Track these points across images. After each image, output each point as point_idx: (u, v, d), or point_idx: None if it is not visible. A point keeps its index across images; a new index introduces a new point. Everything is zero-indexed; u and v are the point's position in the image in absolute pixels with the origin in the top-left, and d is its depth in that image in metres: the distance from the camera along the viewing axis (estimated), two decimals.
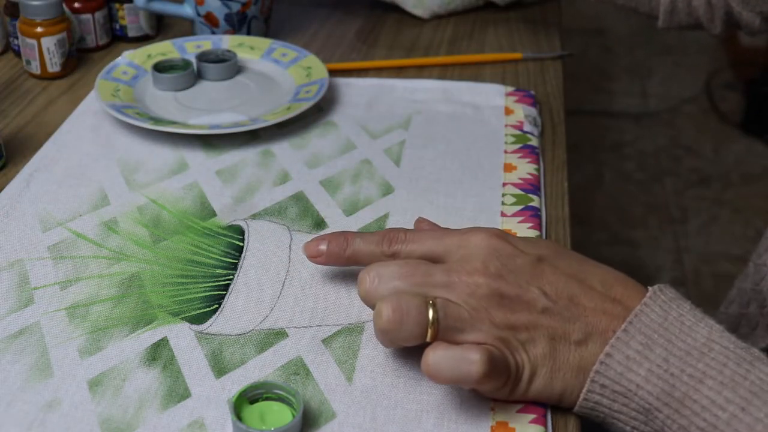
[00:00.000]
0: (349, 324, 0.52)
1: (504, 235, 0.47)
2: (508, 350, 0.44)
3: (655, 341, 0.43)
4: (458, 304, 0.44)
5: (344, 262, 0.51)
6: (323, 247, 0.51)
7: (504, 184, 0.65)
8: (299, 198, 0.64)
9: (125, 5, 0.86)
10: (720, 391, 0.41)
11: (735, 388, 0.41)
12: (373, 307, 0.45)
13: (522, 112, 0.74)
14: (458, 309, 0.44)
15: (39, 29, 0.78)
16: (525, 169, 0.67)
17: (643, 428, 0.43)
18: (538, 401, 0.46)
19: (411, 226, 0.60)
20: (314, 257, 0.52)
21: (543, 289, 0.45)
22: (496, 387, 0.44)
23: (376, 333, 0.45)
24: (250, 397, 0.46)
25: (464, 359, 0.42)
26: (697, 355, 0.42)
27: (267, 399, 0.46)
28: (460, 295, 0.44)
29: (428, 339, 0.44)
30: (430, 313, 0.43)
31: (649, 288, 0.45)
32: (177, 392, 0.48)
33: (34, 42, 0.78)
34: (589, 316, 0.44)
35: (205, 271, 0.56)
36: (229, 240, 0.59)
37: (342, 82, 0.80)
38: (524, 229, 0.60)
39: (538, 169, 0.67)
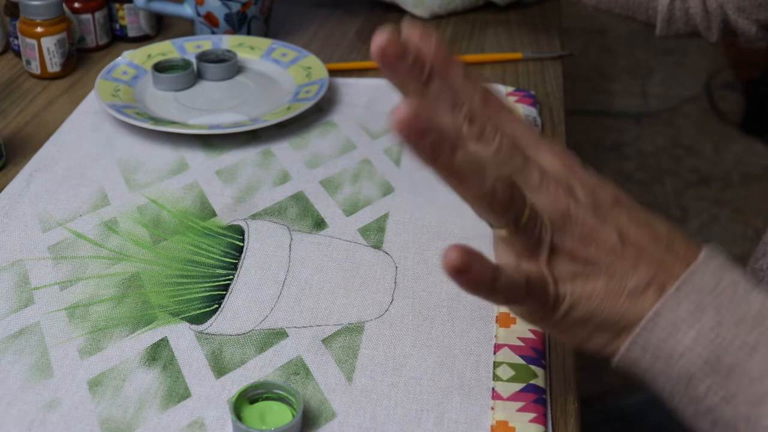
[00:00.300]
0: (349, 324, 0.52)
1: (581, 166, 0.43)
2: (552, 278, 0.41)
3: (706, 306, 0.40)
4: (544, 216, 0.41)
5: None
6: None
7: None
8: (299, 198, 0.64)
9: (125, 5, 0.86)
10: None
11: None
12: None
13: (522, 112, 0.74)
14: (542, 219, 0.41)
15: (39, 29, 0.78)
16: None
17: (681, 394, 0.41)
18: (569, 337, 0.43)
19: (411, 226, 0.61)
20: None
21: (619, 230, 0.42)
22: (527, 310, 0.42)
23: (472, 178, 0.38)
24: (250, 397, 0.46)
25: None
26: (750, 324, 0.40)
27: (267, 399, 0.46)
28: (548, 205, 0.41)
29: (504, 232, 0.41)
30: (524, 214, 0.40)
31: (704, 248, 0.42)
32: (177, 392, 0.48)
33: (34, 42, 0.78)
34: (651, 267, 0.41)
35: (205, 271, 0.56)
36: (229, 240, 0.59)
37: (342, 82, 0.80)
38: None
39: None
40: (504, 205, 0.39)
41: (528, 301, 0.41)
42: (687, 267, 0.41)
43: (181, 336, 0.51)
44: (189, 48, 0.82)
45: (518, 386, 0.48)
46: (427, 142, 0.36)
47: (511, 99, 0.77)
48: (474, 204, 0.39)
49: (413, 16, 0.95)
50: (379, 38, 0.38)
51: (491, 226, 0.41)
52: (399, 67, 0.39)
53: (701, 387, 0.40)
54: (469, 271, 0.38)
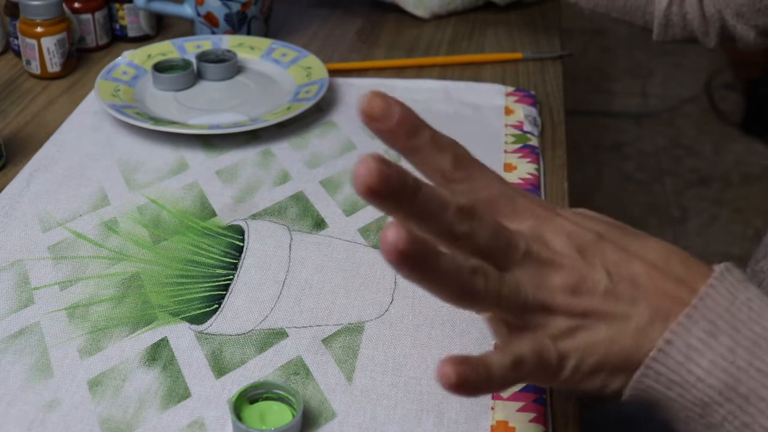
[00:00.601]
0: (349, 324, 0.52)
1: (557, 210, 0.43)
2: (551, 340, 0.40)
3: (721, 329, 0.39)
4: (527, 282, 0.39)
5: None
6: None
7: None
8: (299, 198, 0.64)
9: (125, 5, 0.86)
10: None
11: None
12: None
13: (522, 112, 0.74)
14: (525, 287, 0.39)
15: (39, 29, 0.78)
16: (525, 169, 0.67)
17: (696, 421, 0.40)
18: (586, 387, 0.42)
19: None
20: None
21: (607, 269, 0.40)
22: (532, 373, 0.40)
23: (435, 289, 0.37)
24: (250, 397, 0.46)
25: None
26: (767, 346, 0.38)
27: (267, 399, 0.46)
28: (528, 271, 0.40)
29: (488, 314, 0.40)
30: (504, 290, 0.38)
31: (715, 267, 0.41)
32: (177, 392, 0.48)
33: (34, 42, 0.78)
34: (650, 299, 0.40)
35: (205, 271, 0.56)
36: (229, 240, 0.59)
37: (342, 82, 0.80)
38: None
39: (538, 169, 0.67)
40: (482, 296, 0.37)
41: (531, 376, 0.39)
42: (692, 291, 0.40)
43: (181, 336, 0.51)
44: (189, 48, 0.82)
45: (518, 386, 0.48)
46: (415, 265, 0.35)
47: (511, 99, 0.77)
48: (454, 302, 0.38)
49: (413, 16, 0.95)
50: (364, 170, 0.35)
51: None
52: (386, 192, 0.36)
53: (718, 414, 0.39)
54: (468, 382, 0.36)
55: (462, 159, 0.40)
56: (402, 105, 0.39)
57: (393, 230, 0.34)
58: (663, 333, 0.39)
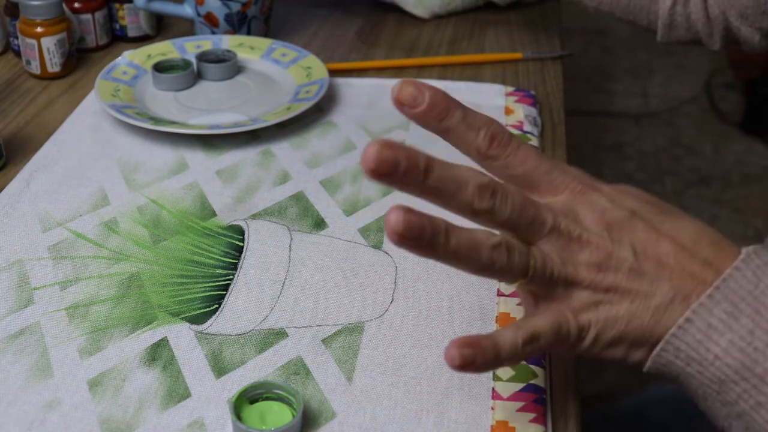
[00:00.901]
0: (349, 324, 0.52)
1: (595, 185, 0.44)
2: (572, 312, 0.41)
3: (742, 310, 0.39)
4: (554, 256, 0.41)
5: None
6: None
7: None
8: (299, 198, 0.64)
9: (125, 5, 0.86)
10: None
11: None
12: (466, 211, 0.40)
13: (522, 112, 0.74)
14: (552, 261, 0.41)
15: (39, 29, 0.78)
16: None
17: (713, 398, 0.41)
18: (606, 357, 0.43)
19: None
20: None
21: (634, 247, 0.41)
22: (554, 350, 0.42)
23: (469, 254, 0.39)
24: (250, 397, 0.46)
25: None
26: None
27: (267, 399, 0.46)
28: (556, 245, 0.41)
29: (516, 285, 0.41)
30: (530, 263, 0.40)
31: (743, 249, 0.42)
32: (177, 392, 0.48)
33: (34, 42, 0.78)
34: (674, 279, 0.41)
35: (205, 271, 0.56)
36: (229, 240, 0.59)
37: (342, 82, 0.80)
38: None
39: None
40: (506, 270, 0.39)
41: (549, 348, 0.41)
42: (717, 273, 0.41)
43: (181, 336, 0.51)
44: (189, 48, 0.82)
45: (518, 386, 0.48)
46: (420, 245, 0.38)
47: (511, 99, 0.77)
48: (477, 274, 0.40)
49: (413, 16, 0.95)
50: (371, 154, 0.37)
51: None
52: (393, 176, 0.38)
53: (733, 392, 0.40)
54: (473, 364, 0.38)
55: (497, 136, 0.42)
56: (433, 90, 0.41)
57: (394, 214, 0.37)
58: (684, 312, 0.40)
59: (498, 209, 0.39)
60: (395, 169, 0.37)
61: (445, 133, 0.42)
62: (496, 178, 0.41)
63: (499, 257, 0.39)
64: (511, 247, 0.39)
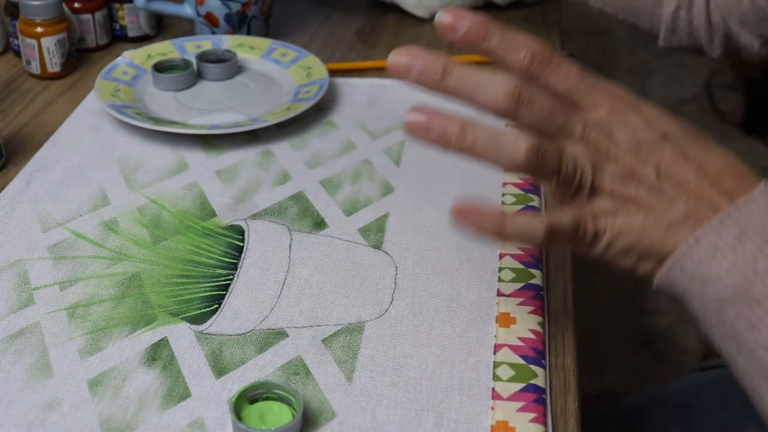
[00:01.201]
0: (349, 324, 0.52)
1: (636, 105, 0.46)
2: (592, 215, 0.45)
3: (750, 237, 0.41)
4: (584, 163, 0.44)
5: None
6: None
7: (504, 184, 0.65)
8: (299, 198, 0.64)
9: (125, 5, 0.86)
10: None
11: None
12: (500, 112, 0.44)
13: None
14: (581, 170, 0.44)
15: (39, 29, 0.78)
16: None
17: (712, 318, 0.43)
18: (617, 264, 0.46)
19: (411, 226, 0.61)
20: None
21: (658, 167, 0.44)
22: (570, 247, 0.46)
23: (498, 154, 0.43)
24: (250, 397, 0.46)
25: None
26: None
27: (267, 399, 0.46)
28: (587, 153, 0.45)
29: (548, 186, 0.46)
30: (563, 167, 0.44)
31: (763, 181, 0.44)
32: (177, 392, 0.48)
33: (34, 42, 0.78)
34: (690, 202, 0.44)
35: (205, 271, 0.56)
36: (229, 240, 0.59)
37: (342, 82, 0.80)
38: None
39: None
40: (537, 169, 0.43)
41: (567, 243, 0.45)
42: (731, 200, 0.43)
43: (181, 336, 0.51)
44: (189, 48, 0.82)
45: (518, 386, 0.48)
46: (432, 136, 0.42)
47: None
48: (509, 170, 0.44)
49: (413, 16, 0.95)
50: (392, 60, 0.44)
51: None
52: (411, 75, 0.44)
53: (730, 313, 0.42)
54: (473, 214, 0.43)
55: (537, 54, 0.45)
56: (472, 16, 0.45)
57: (412, 113, 0.42)
58: (689, 235, 0.43)
59: (524, 112, 0.43)
60: (409, 72, 0.43)
61: (487, 54, 0.45)
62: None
63: (530, 157, 0.42)
64: (544, 148, 0.43)
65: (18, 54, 0.84)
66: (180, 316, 0.53)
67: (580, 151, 0.44)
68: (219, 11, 0.84)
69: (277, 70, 0.81)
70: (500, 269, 0.56)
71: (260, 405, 0.46)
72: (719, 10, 0.74)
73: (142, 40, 0.88)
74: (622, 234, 0.45)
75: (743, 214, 0.42)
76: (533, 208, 0.62)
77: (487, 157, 0.43)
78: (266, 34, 0.89)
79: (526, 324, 0.52)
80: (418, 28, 0.93)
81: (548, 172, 0.43)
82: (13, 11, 0.81)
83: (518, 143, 0.42)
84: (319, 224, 0.61)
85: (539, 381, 0.48)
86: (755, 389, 0.41)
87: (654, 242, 0.44)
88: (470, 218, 0.43)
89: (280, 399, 0.46)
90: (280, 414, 0.45)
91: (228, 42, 0.83)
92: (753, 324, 0.41)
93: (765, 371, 0.40)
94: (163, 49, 0.82)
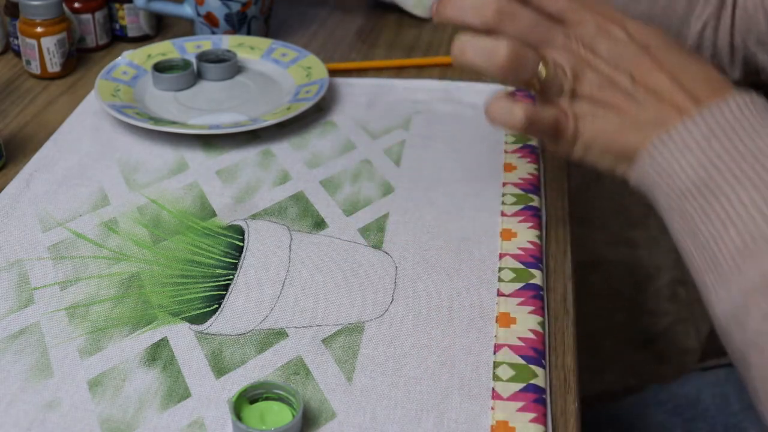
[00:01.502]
0: (349, 324, 0.52)
1: (622, 21, 0.50)
2: (573, 117, 0.50)
3: (717, 136, 0.45)
4: (564, 68, 0.49)
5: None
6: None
7: (504, 184, 0.65)
8: (299, 198, 0.64)
9: (125, 5, 0.86)
10: (754, 197, 0.42)
11: None
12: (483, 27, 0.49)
13: None
14: (562, 75, 0.49)
15: (39, 29, 0.78)
16: (525, 168, 0.67)
17: (673, 210, 0.47)
18: (597, 164, 0.52)
19: (411, 226, 0.61)
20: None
21: (632, 75, 0.48)
22: (554, 146, 0.52)
23: (483, 58, 0.48)
24: (250, 397, 0.46)
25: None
26: (752, 159, 0.43)
27: (267, 399, 0.46)
28: (568, 60, 0.49)
29: (532, 90, 0.52)
30: (543, 71, 0.49)
31: (736, 89, 0.47)
32: (177, 392, 0.48)
33: (34, 42, 0.78)
34: (663, 107, 0.47)
35: (205, 271, 0.57)
36: (229, 240, 0.59)
37: (342, 82, 0.80)
38: (524, 229, 0.60)
39: (538, 169, 0.67)
40: (518, 71, 0.48)
41: (550, 139, 0.51)
42: (699, 105, 0.46)
43: (181, 336, 0.51)
44: (189, 48, 0.82)
45: (518, 386, 0.48)
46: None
47: None
48: (494, 75, 0.49)
49: (413, 16, 0.95)
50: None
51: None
52: None
53: (689, 204, 0.45)
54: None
55: None
56: None
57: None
58: (655, 137, 0.47)
59: (508, 25, 0.48)
60: None
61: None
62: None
63: (514, 57, 0.48)
64: (525, 52, 0.48)
65: (18, 54, 0.84)
66: (180, 316, 0.53)
67: (561, 59, 0.49)
68: (219, 11, 0.84)
69: (277, 70, 0.81)
70: (500, 269, 0.56)
71: (260, 405, 0.46)
72: (740, 31, 0.74)
73: (142, 40, 0.88)
74: (598, 135, 0.49)
75: (714, 115, 0.45)
76: (533, 208, 0.62)
77: (475, 64, 0.48)
78: (266, 34, 0.89)
79: (526, 324, 0.52)
80: (418, 28, 0.93)
81: (529, 74, 0.49)
82: (13, 11, 0.81)
83: (500, 46, 0.47)
84: (319, 224, 0.61)
85: (539, 381, 0.48)
86: (706, 283, 0.44)
87: (628, 143, 0.48)
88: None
89: (280, 399, 0.46)
90: (280, 414, 0.45)
91: (228, 42, 0.83)
92: (708, 215, 0.44)
93: (714, 263, 0.43)
94: (163, 49, 0.82)
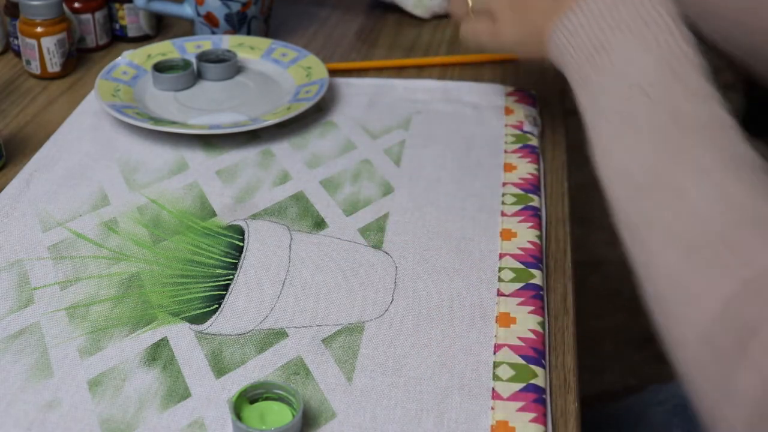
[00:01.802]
0: (349, 324, 0.52)
1: None
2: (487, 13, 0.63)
3: (620, 9, 0.52)
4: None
5: None
6: None
7: (504, 184, 0.65)
8: (299, 198, 0.64)
9: (125, 5, 0.86)
10: (632, 56, 0.50)
11: (647, 50, 0.50)
12: None
13: (522, 111, 0.74)
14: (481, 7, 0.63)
15: (39, 29, 0.78)
16: (525, 168, 0.67)
17: (578, 78, 0.54)
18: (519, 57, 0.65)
19: (411, 226, 0.61)
20: None
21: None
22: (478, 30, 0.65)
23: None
24: (250, 397, 0.46)
25: None
26: (636, 27, 0.51)
27: (267, 399, 0.46)
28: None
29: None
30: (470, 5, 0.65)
31: None
32: (177, 392, 0.48)
33: (34, 42, 0.78)
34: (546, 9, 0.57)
35: (205, 271, 0.57)
36: (229, 240, 0.59)
37: (342, 82, 0.80)
38: (524, 229, 0.60)
39: (538, 169, 0.67)
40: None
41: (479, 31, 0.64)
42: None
43: (181, 336, 0.51)
44: (189, 48, 0.82)
45: (518, 386, 0.48)
46: None
47: (511, 99, 0.77)
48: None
49: (413, 16, 0.95)
50: None
51: None
52: None
53: (586, 68, 0.53)
54: None
55: None
56: None
57: None
58: (565, 14, 0.55)
59: None
60: None
61: None
62: None
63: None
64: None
65: (18, 54, 0.84)
66: (180, 316, 0.53)
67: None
68: (219, 11, 0.84)
69: (277, 70, 0.81)
70: (500, 269, 0.56)
71: (260, 405, 0.46)
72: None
73: (142, 40, 0.88)
74: (507, 16, 0.61)
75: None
76: (533, 208, 0.62)
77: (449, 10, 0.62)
78: (266, 34, 0.89)
79: (526, 324, 0.52)
80: (418, 28, 0.93)
81: (462, 9, 0.64)
82: (13, 11, 0.81)
83: None
84: (319, 224, 0.61)
85: (539, 381, 0.48)
86: (595, 129, 0.51)
87: (535, 25, 0.58)
88: None
89: (280, 399, 0.46)
90: (280, 414, 0.45)
91: (228, 42, 0.83)
92: (599, 67, 0.51)
93: (601, 110, 0.51)
94: (163, 49, 0.82)
